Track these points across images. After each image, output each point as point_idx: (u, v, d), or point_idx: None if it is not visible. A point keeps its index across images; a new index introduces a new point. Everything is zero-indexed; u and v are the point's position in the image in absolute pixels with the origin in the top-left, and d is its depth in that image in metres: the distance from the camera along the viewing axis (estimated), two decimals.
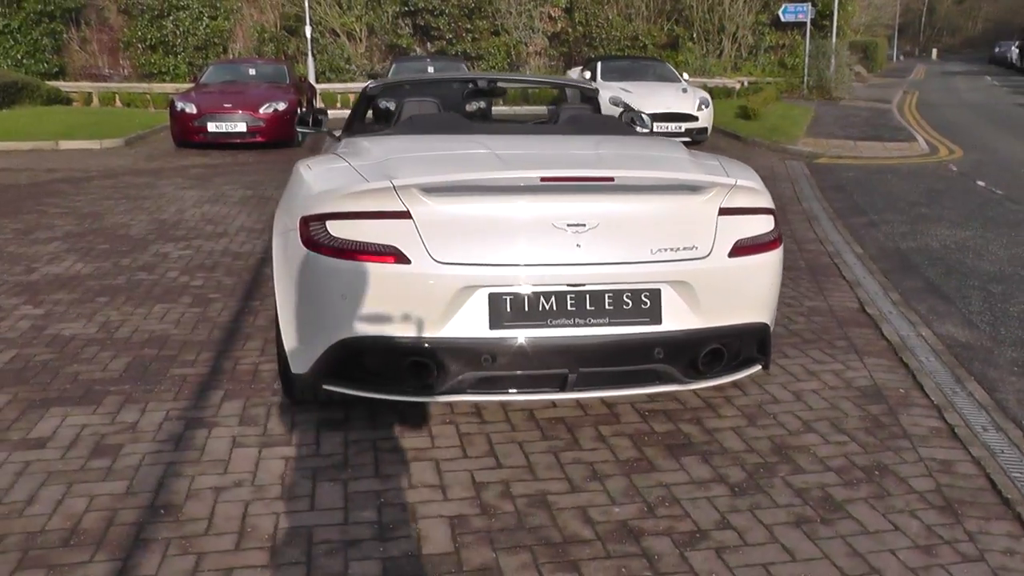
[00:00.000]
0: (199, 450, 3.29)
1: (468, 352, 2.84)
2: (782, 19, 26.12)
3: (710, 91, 17.61)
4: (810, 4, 25.57)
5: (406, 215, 2.81)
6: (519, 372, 2.92)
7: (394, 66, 15.26)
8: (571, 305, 2.86)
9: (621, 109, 13.68)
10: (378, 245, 2.80)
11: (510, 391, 3.03)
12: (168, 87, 18.28)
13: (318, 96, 16.86)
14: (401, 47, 20.94)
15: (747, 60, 27.30)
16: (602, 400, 3.71)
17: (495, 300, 2.83)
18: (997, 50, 56.34)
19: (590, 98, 5.34)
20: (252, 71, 13.91)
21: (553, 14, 24.48)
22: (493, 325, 2.84)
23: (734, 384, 3.92)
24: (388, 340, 2.83)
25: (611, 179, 2.88)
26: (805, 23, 25.49)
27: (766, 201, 3.21)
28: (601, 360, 2.95)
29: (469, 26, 22.00)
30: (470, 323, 2.83)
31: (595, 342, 2.89)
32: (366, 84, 5.16)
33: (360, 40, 20.73)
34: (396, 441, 3.37)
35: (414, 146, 3.47)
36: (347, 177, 3.06)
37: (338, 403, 3.67)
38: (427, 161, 3.23)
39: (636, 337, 2.93)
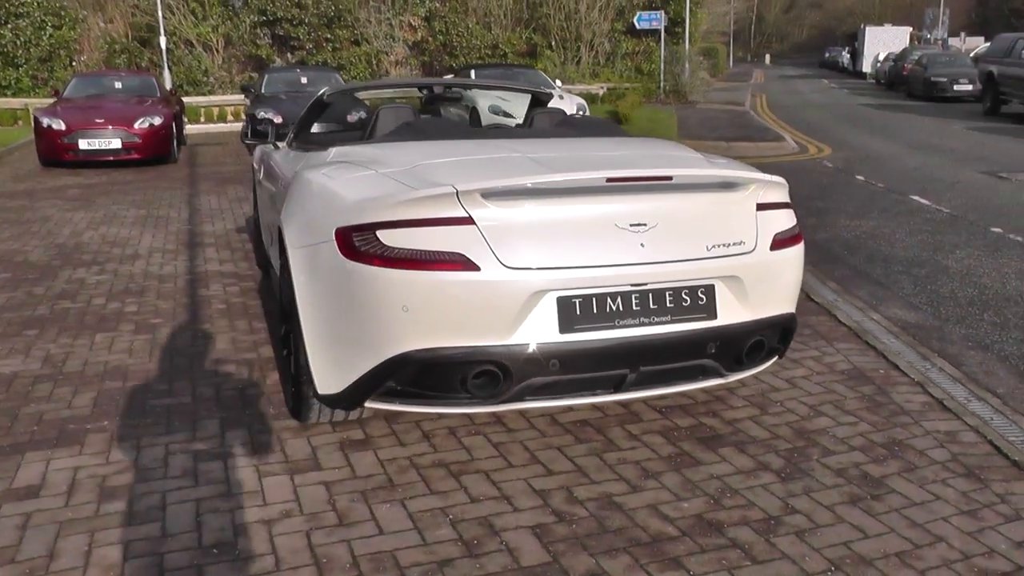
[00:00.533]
0: (223, 483, 3.04)
1: (537, 358, 2.76)
2: (637, 26, 27.12)
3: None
4: (663, 12, 26.70)
5: (469, 221, 2.70)
6: (582, 375, 2.87)
7: (267, 77, 14.73)
8: (635, 304, 2.84)
9: (501, 117, 13.81)
10: (444, 253, 2.68)
11: (568, 395, 2.97)
12: (14, 102, 16.89)
13: (184, 110, 16.05)
14: (260, 58, 20.25)
15: (605, 67, 28.13)
16: (617, 400, 3.71)
17: (564, 303, 2.77)
18: (827, 55, 60.76)
19: (545, 103, 5.34)
20: (118, 84, 13.07)
21: (413, 23, 24.39)
22: (563, 329, 2.77)
23: None
24: (456, 350, 2.71)
25: (669, 178, 2.88)
26: (659, 30, 26.59)
27: (787, 196, 3.31)
28: (661, 358, 2.95)
29: (329, 36, 21.58)
30: (539, 328, 2.75)
31: (658, 340, 2.89)
32: (322, 91, 4.94)
33: (217, 51, 19.87)
34: (432, 456, 3.24)
35: (438, 151, 3.34)
36: (385, 185, 2.91)
37: (353, 422, 3.51)
38: (471, 165, 3.12)
39: (695, 332, 2.94)
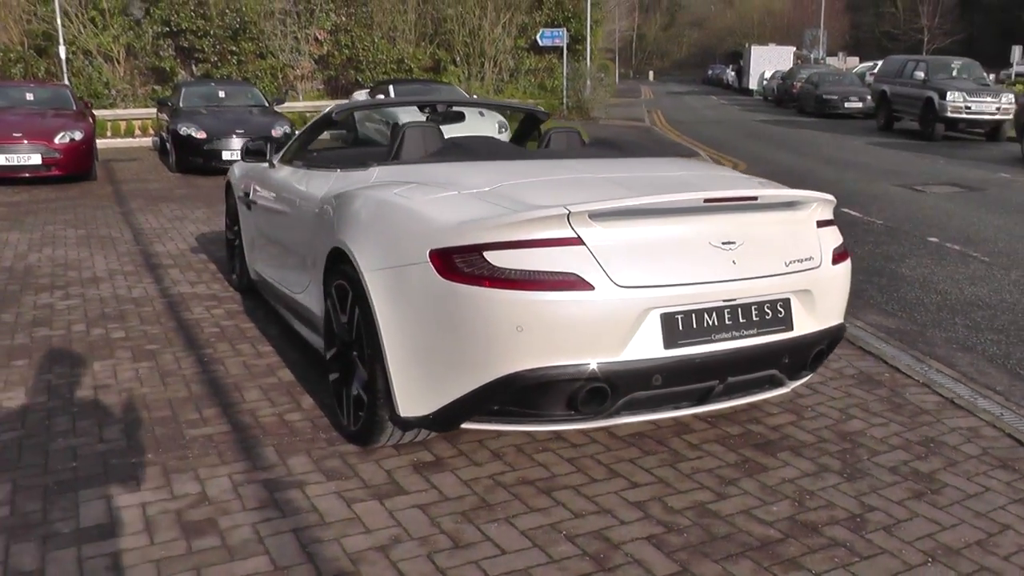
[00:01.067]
0: (312, 512, 2.97)
1: (643, 373, 2.83)
2: (540, 43, 27.53)
3: None
4: (565, 29, 27.22)
5: (578, 241, 2.75)
6: (677, 389, 2.95)
7: (183, 91, 14.25)
8: (727, 319, 2.95)
9: None
10: (560, 273, 2.71)
11: (657, 409, 3.05)
12: None
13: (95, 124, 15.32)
14: (164, 70, 19.52)
15: (508, 83, 28.42)
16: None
17: (667, 320, 2.85)
18: (711, 72, 63.19)
19: (541, 121, 5.41)
20: (30, 95, 12.36)
21: (319, 36, 24.05)
22: (667, 344, 2.85)
23: None
24: (569, 368, 2.74)
25: (755, 198, 3.02)
26: (562, 47, 27.09)
27: (832, 213, 3.50)
28: (746, 369, 3.07)
29: (234, 48, 21.03)
30: (646, 344, 2.82)
31: (745, 352, 3.00)
32: (330, 108, 4.84)
33: (119, 62, 19.02)
34: (512, 475, 3.25)
35: (508, 172, 3.36)
36: (481, 206, 2.91)
37: (418, 444, 3.48)
38: (557, 186, 3.15)
39: (776, 344, 3.08)
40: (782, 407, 3.99)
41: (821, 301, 3.23)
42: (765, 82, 40.23)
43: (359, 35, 23.79)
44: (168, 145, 13.42)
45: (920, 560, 2.74)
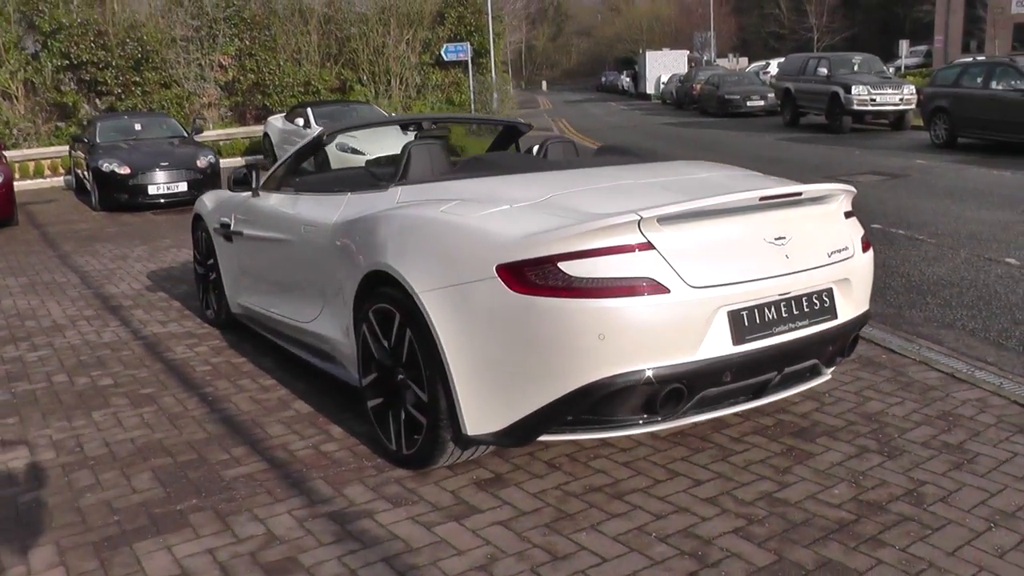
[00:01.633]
0: (396, 539, 2.91)
1: (716, 371, 2.90)
2: (445, 58, 27.61)
3: None
4: (468, 44, 27.37)
5: (649, 246, 2.80)
6: (741, 383, 3.04)
7: (98, 126, 13.68)
8: (784, 312, 3.06)
9: (349, 154, 13.64)
10: (637, 279, 2.75)
11: (719, 406, 3.13)
12: None
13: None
14: (67, 105, 18.71)
15: (416, 99, 28.36)
16: None
17: (734, 317, 2.93)
18: (604, 79, 64.38)
19: (522, 133, 5.45)
20: None
21: (224, 62, 23.50)
22: (736, 341, 2.93)
23: None
24: (651, 371, 2.79)
25: (799, 194, 3.14)
26: (467, 61, 27.23)
27: None
28: (800, 359, 3.18)
29: (138, 79, 20.32)
30: (717, 342, 2.89)
31: (799, 343, 3.11)
32: (320, 131, 4.75)
33: (18, 99, 18.14)
34: (577, 483, 3.27)
35: (551, 184, 3.39)
36: (544, 218, 2.92)
37: (471, 463, 3.47)
38: (609, 194, 3.20)
39: (824, 332, 3.20)
40: (802, 395, 4.13)
41: (856, 289, 3.38)
42: (663, 86, 41.30)
43: (264, 59, 23.36)
44: (88, 183, 12.88)
45: (984, 527, 2.89)
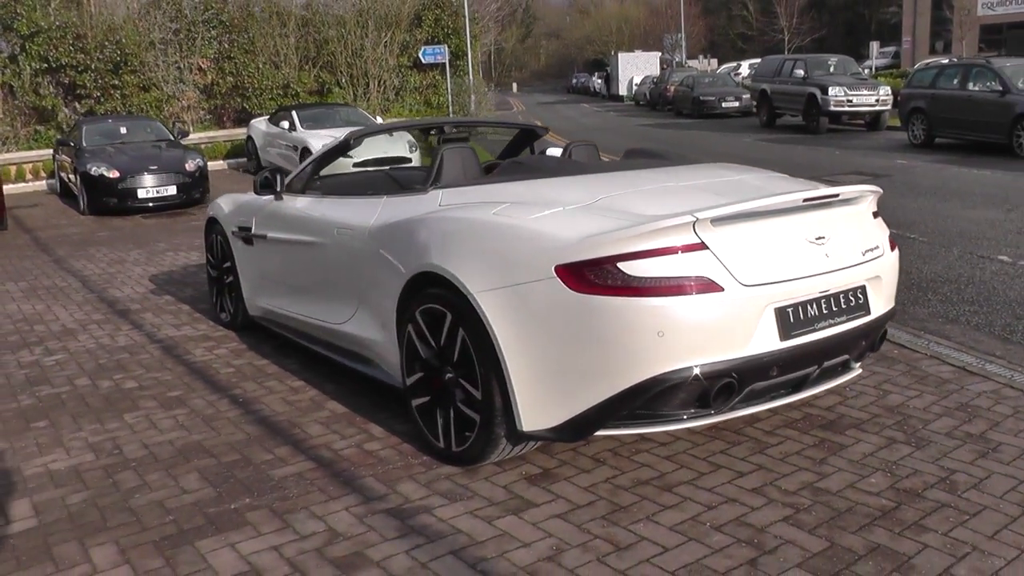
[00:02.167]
0: (460, 533, 3.00)
1: (765, 365, 3.02)
2: (422, 61, 27.67)
3: None
4: (446, 46, 27.44)
5: (703, 246, 2.91)
6: (784, 377, 3.17)
7: (84, 129, 13.56)
8: (824, 308, 3.19)
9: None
10: (694, 277, 2.87)
11: (762, 400, 3.26)
12: None
13: None
14: (46, 109, 18.50)
15: (394, 102, 28.37)
16: None
17: (781, 313, 3.05)
18: (575, 81, 64.70)
19: (538, 136, 5.55)
20: None
21: (202, 65, 23.36)
22: (783, 336, 3.05)
23: None
24: (708, 366, 2.91)
25: (837, 195, 3.27)
26: (444, 63, 27.30)
27: None
28: (837, 353, 3.32)
29: (117, 82, 20.15)
30: (765, 338, 3.01)
31: (838, 338, 3.25)
32: (347, 136, 4.79)
33: None
34: (625, 477, 3.38)
35: (597, 185, 3.50)
36: (600, 219, 3.02)
37: (518, 459, 3.56)
38: (657, 195, 3.32)
39: (860, 327, 3.34)
40: (825, 390, 4.25)
41: (886, 286, 3.53)
42: (635, 87, 41.62)
43: (243, 62, 23.25)
44: (75, 187, 12.78)
45: (1019, 512, 3.04)
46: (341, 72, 26.30)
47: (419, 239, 3.58)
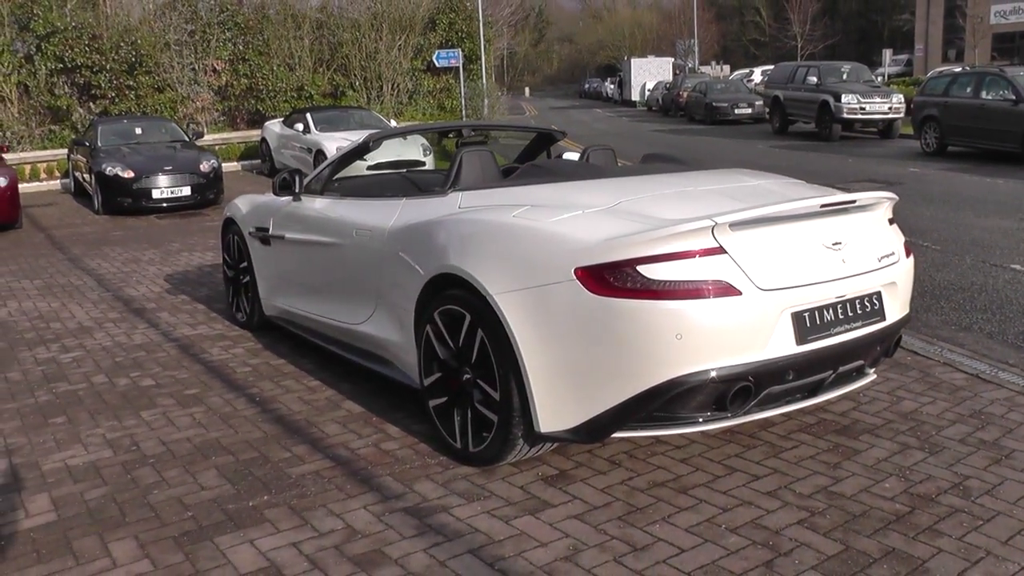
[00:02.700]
0: (477, 532, 3.02)
1: (781, 369, 3.04)
2: (436, 65, 27.77)
3: None
4: (460, 50, 27.54)
5: (721, 250, 2.94)
6: (800, 382, 3.19)
7: (99, 129, 13.68)
8: (840, 313, 3.22)
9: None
10: (712, 281, 2.90)
11: (777, 405, 3.27)
12: None
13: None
14: (61, 109, 18.66)
15: (408, 105, 28.47)
16: None
17: (797, 318, 3.08)
18: (587, 85, 64.77)
19: (556, 140, 5.59)
20: None
21: (217, 67, 23.50)
22: (799, 341, 3.08)
23: None
24: (725, 370, 2.93)
25: (854, 201, 3.29)
26: (458, 67, 27.39)
27: None
28: (852, 358, 3.34)
29: (131, 83, 20.31)
30: (782, 342, 3.04)
31: (853, 343, 3.27)
32: (367, 138, 4.83)
33: (11, 102, 18.06)
34: (641, 479, 3.40)
35: (616, 189, 3.53)
36: (620, 223, 3.05)
37: (535, 460, 3.59)
38: (677, 200, 3.35)
39: (875, 333, 3.36)
40: (839, 396, 4.28)
41: (902, 292, 3.55)
42: (648, 93, 41.61)
43: (257, 63, 23.39)
44: (89, 187, 12.88)
45: None
46: (355, 75, 26.42)
47: (438, 241, 3.61)
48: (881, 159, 15.49)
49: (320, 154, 14.58)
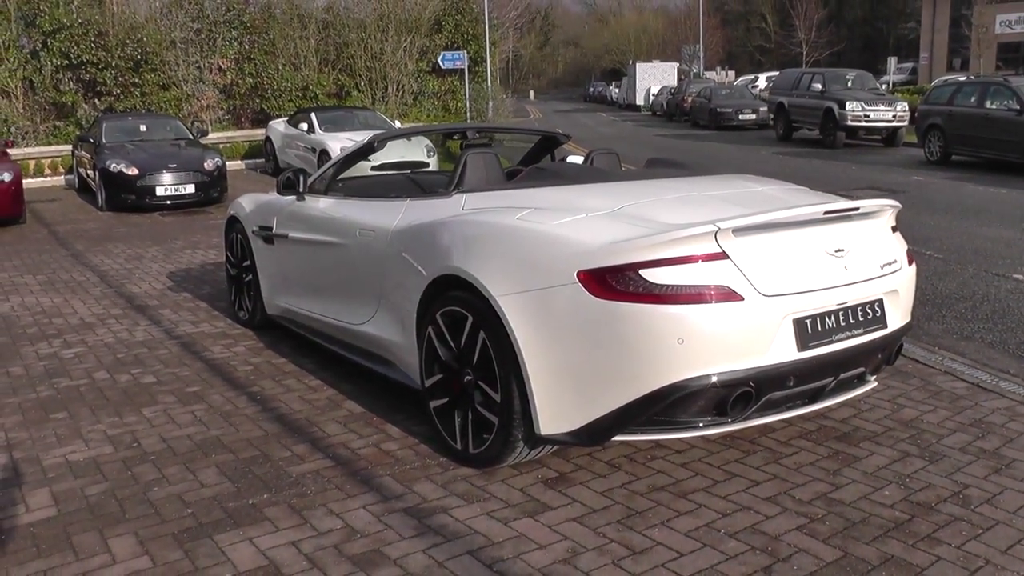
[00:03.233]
0: (476, 533, 3.03)
1: (783, 375, 3.05)
2: (441, 66, 27.80)
3: None
4: (465, 52, 27.57)
5: (724, 256, 2.95)
6: (801, 387, 3.19)
7: (104, 126, 13.70)
8: (842, 320, 3.22)
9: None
10: (714, 286, 2.90)
11: (777, 410, 3.28)
12: None
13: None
14: (66, 105, 18.70)
15: (412, 106, 28.50)
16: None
17: (799, 324, 3.08)
18: (592, 89, 64.78)
19: (560, 143, 5.60)
20: None
21: (223, 65, 23.54)
22: (800, 347, 3.08)
23: None
24: (727, 375, 2.94)
25: (857, 208, 3.30)
26: (463, 69, 27.42)
27: None
28: (853, 365, 3.34)
29: (137, 80, 20.36)
30: (783, 348, 3.04)
31: (855, 350, 3.28)
32: (372, 138, 4.84)
33: (17, 97, 18.11)
34: (640, 483, 3.40)
35: (619, 193, 3.54)
36: (623, 227, 3.06)
37: (535, 462, 3.59)
38: (681, 204, 3.35)
39: (877, 340, 3.37)
40: (840, 403, 4.27)
41: (904, 300, 3.55)
42: (652, 97, 41.63)
43: (263, 63, 23.42)
44: (93, 183, 12.90)
45: None
46: (360, 75, 26.44)
47: (442, 242, 3.62)
48: (885, 167, 15.49)
49: (324, 154, 14.59)
